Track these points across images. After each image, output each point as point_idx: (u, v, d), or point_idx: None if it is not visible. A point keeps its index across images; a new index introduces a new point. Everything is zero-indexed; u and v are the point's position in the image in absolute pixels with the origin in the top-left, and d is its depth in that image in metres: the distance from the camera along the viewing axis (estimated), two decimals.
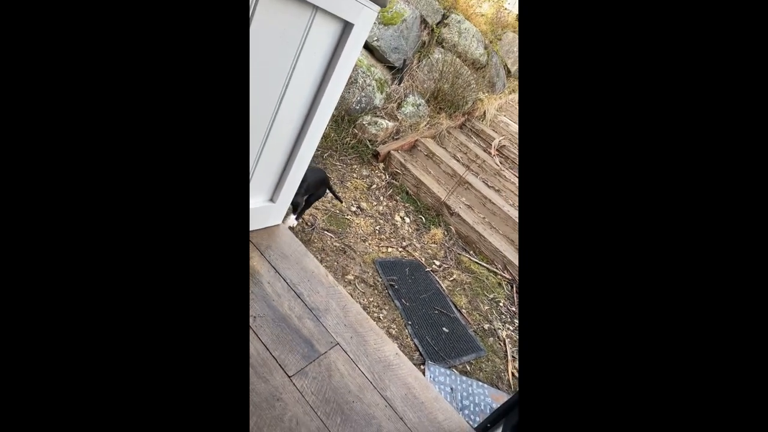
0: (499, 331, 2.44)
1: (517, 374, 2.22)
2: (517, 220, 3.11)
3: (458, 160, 3.61)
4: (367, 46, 3.52)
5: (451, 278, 2.67)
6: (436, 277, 2.60)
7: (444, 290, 2.53)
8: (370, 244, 2.59)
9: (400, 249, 2.66)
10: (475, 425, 1.44)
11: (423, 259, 2.70)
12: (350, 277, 2.25)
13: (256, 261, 1.22)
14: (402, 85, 3.66)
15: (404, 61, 3.64)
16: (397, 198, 3.14)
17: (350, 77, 3.25)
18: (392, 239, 2.71)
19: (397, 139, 3.52)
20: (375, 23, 3.50)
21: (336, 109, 3.29)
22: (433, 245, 2.87)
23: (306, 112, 1.17)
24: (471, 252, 2.99)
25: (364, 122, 3.33)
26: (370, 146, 3.32)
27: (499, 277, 2.85)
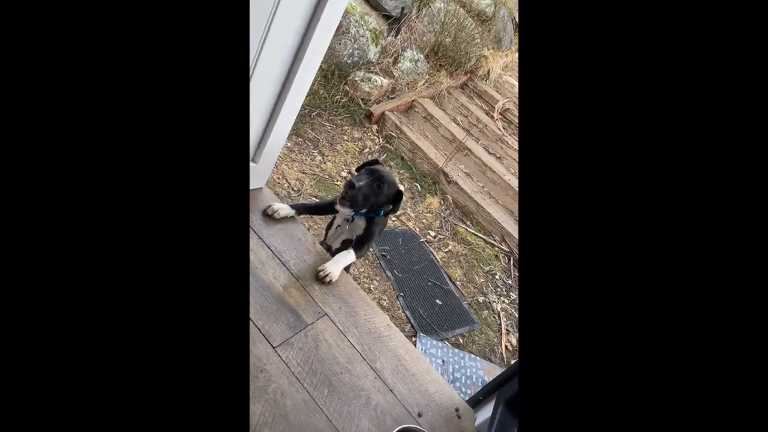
0: (494, 304, 2.50)
1: (510, 348, 2.30)
2: (518, 190, 3.10)
3: (458, 124, 3.54)
4: None
5: (446, 249, 2.69)
6: (431, 248, 2.61)
7: (438, 262, 2.55)
8: None
9: (394, 218, 2.65)
10: (467, 398, 1.49)
11: (417, 229, 2.70)
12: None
13: None
14: (399, 37, 3.50)
15: (402, 9, 3.45)
16: (392, 163, 3.09)
17: (341, 25, 3.09)
18: None
19: (392, 98, 3.41)
20: None
21: (325, 61, 3.15)
22: (428, 215, 2.86)
23: (290, 62, 1.10)
24: (468, 223, 3.00)
25: (356, 78, 3.20)
26: (362, 106, 3.21)
27: (496, 249, 2.88)
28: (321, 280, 1.17)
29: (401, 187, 1.26)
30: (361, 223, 1.31)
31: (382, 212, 1.29)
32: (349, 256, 1.24)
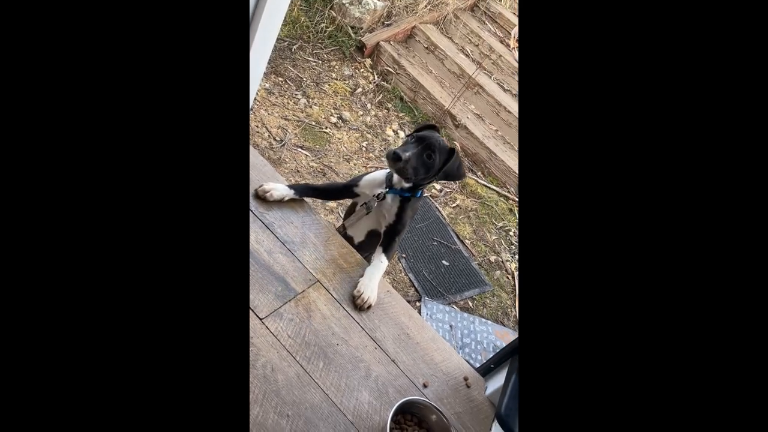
0: (508, 263, 2.54)
1: None
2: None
3: (467, 55, 3.38)
4: None
5: (454, 204, 2.68)
6: (436, 204, 2.60)
7: (445, 218, 2.55)
8: (355, 164, 2.53)
9: None
10: (477, 364, 1.55)
11: None
12: (332, 204, 2.23)
13: None
14: None
15: None
16: (389, 105, 2.99)
17: None
18: (383, 158, 2.65)
19: (388, 25, 3.22)
20: None
21: None
22: None
23: None
24: (479, 173, 2.96)
25: (344, 1, 3.00)
26: (353, 35, 3.05)
27: (510, 202, 2.87)
28: (359, 308, 1.10)
29: (455, 148, 1.18)
30: (392, 207, 1.21)
31: (420, 192, 1.22)
32: (381, 266, 1.17)
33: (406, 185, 1.20)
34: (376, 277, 1.15)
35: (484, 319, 2.19)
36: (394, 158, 1.09)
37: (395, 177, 1.20)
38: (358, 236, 1.34)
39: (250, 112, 2.35)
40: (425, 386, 1.05)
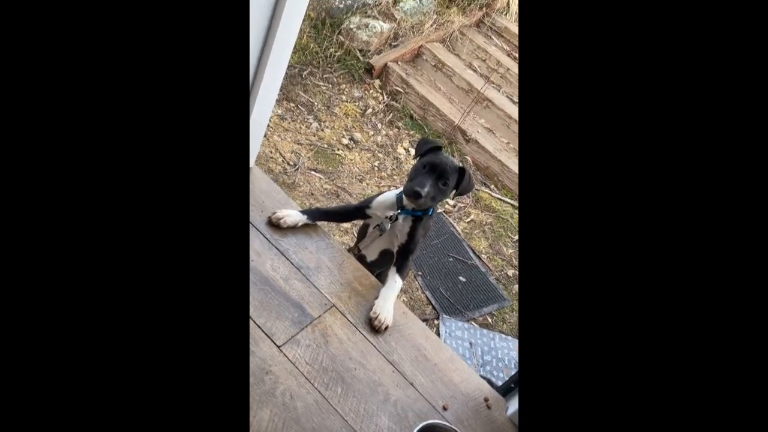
0: None
1: None
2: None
3: (475, 70, 3.41)
4: None
5: (468, 219, 2.67)
6: (450, 219, 2.60)
7: (459, 234, 2.54)
8: (368, 184, 2.56)
9: None
10: (500, 382, 1.52)
11: None
12: (346, 225, 2.25)
13: None
14: None
15: None
16: (400, 124, 3.03)
17: None
18: (395, 177, 2.67)
19: (395, 46, 3.28)
20: None
21: (313, 8, 3.03)
22: None
23: (271, 8, 1.05)
24: (492, 186, 2.95)
25: (351, 26, 3.09)
26: (361, 58, 3.12)
27: None
28: (376, 330, 1.11)
29: (464, 165, 1.19)
30: (404, 226, 1.24)
31: (431, 211, 1.24)
32: (396, 287, 1.19)
33: None
34: (391, 297, 1.16)
35: (504, 335, 2.16)
36: (414, 196, 1.12)
37: (405, 198, 1.22)
38: (371, 255, 1.36)
39: (264, 138, 2.41)
40: (445, 409, 1.04)
